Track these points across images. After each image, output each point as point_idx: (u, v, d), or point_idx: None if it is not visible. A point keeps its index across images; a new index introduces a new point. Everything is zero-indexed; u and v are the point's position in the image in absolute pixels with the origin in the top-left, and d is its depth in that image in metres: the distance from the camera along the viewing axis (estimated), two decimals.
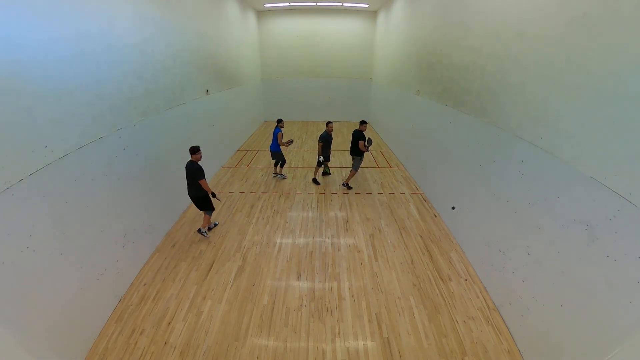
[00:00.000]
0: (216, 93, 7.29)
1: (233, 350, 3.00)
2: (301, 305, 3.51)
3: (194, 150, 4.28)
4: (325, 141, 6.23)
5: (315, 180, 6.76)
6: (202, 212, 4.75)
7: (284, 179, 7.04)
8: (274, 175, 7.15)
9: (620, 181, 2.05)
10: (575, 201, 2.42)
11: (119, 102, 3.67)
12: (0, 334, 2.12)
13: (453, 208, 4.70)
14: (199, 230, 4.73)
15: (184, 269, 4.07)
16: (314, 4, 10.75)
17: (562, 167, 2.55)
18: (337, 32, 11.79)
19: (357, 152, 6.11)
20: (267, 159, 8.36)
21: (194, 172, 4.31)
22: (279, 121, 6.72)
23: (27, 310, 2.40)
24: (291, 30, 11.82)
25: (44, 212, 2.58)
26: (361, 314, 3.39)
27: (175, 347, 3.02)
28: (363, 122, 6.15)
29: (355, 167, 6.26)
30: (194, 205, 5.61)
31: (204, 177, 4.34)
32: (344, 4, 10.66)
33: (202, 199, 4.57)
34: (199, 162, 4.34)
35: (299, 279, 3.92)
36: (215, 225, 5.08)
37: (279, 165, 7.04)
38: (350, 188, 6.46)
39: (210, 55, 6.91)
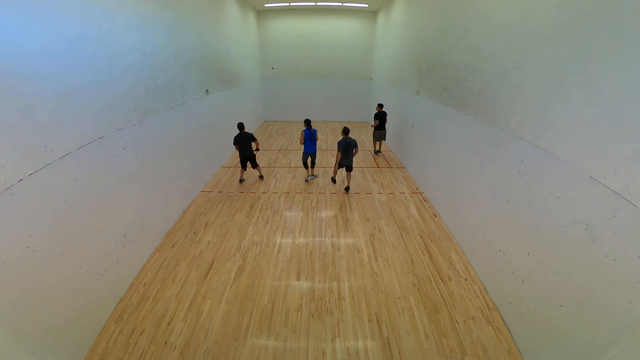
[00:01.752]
0: (216, 93, 7.28)
1: (233, 350, 3.00)
2: (301, 305, 3.51)
3: (243, 125, 6.23)
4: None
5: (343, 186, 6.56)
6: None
7: (315, 177, 7.05)
8: (311, 177, 6.97)
9: (620, 181, 2.06)
10: (575, 201, 2.42)
11: (119, 102, 3.67)
12: (0, 334, 2.12)
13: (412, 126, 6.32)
14: (261, 176, 6.95)
15: (184, 269, 4.07)
16: (314, 4, 10.74)
17: (562, 167, 2.55)
18: (337, 32, 11.78)
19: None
20: (267, 159, 8.36)
21: (251, 137, 6.20)
22: (310, 122, 6.57)
23: (27, 310, 2.40)
24: (291, 30, 11.81)
25: (44, 212, 2.58)
26: (361, 314, 3.39)
27: (175, 347, 3.02)
28: (380, 105, 8.21)
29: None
30: (194, 205, 5.69)
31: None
32: (344, 4, 10.65)
33: (254, 157, 6.48)
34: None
35: (299, 279, 3.92)
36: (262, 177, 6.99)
37: (312, 165, 6.85)
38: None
39: (210, 55, 6.91)
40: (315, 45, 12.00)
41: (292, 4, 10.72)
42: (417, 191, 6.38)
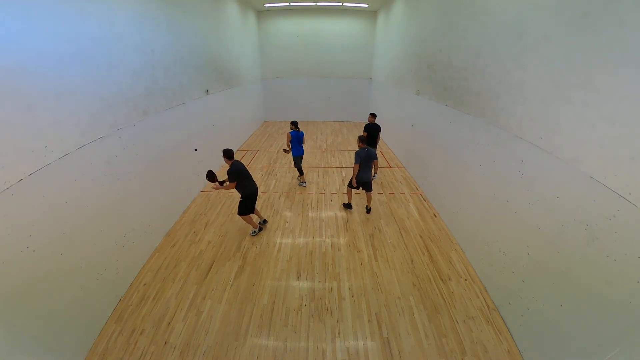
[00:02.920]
0: (216, 93, 7.29)
1: (233, 350, 3.00)
2: (301, 305, 3.51)
3: (233, 152, 4.40)
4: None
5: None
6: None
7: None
8: (302, 183, 6.63)
9: (620, 181, 2.06)
10: (575, 201, 2.42)
11: (119, 102, 3.67)
12: (0, 334, 2.12)
13: (196, 150, 5.51)
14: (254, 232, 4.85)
15: (184, 269, 4.07)
16: (314, 4, 10.75)
17: (562, 167, 2.55)
18: (337, 32, 11.78)
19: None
20: (267, 159, 8.36)
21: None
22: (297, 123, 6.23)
23: (27, 310, 2.40)
24: (291, 30, 11.81)
25: (44, 212, 2.58)
26: (361, 314, 3.39)
27: (175, 347, 3.02)
28: (373, 115, 6.70)
29: None
30: (194, 205, 5.67)
31: None
32: (344, 4, 10.65)
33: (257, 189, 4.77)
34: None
35: (298, 279, 3.92)
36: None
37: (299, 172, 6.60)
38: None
39: (210, 55, 6.91)
40: (315, 45, 12.00)
41: (292, 4, 10.72)
42: (417, 191, 6.38)
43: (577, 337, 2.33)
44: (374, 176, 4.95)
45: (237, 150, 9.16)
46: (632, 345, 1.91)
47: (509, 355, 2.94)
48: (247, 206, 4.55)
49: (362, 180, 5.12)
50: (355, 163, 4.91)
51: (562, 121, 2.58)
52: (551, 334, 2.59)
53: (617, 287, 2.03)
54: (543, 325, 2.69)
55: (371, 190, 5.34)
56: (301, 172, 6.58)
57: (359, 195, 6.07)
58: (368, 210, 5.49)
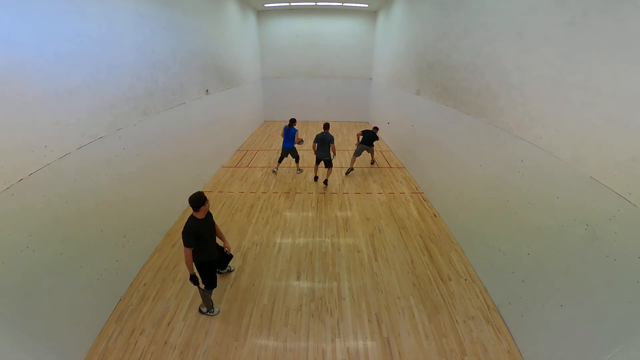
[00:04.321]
0: (216, 93, 7.28)
1: (233, 350, 3.00)
2: (301, 305, 3.51)
3: (201, 197, 2.83)
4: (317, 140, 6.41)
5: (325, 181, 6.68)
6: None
7: (302, 172, 7.44)
8: (275, 170, 7.48)
9: (620, 181, 2.06)
10: (575, 201, 2.42)
11: (119, 102, 3.67)
12: (0, 334, 2.12)
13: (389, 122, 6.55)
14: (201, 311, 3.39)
15: (184, 268, 4.05)
16: (314, 4, 10.74)
17: (562, 167, 2.55)
18: (337, 32, 11.77)
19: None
20: (267, 159, 8.36)
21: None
22: (294, 121, 7.00)
23: (27, 310, 2.40)
24: (291, 30, 11.81)
25: (44, 212, 2.58)
26: (361, 314, 3.39)
27: (175, 347, 3.02)
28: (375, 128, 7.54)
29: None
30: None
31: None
32: (344, 4, 10.64)
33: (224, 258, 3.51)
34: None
35: (298, 279, 3.92)
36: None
37: (295, 161, 7.38)
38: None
39: (210, 55, 6.91)
40: (315, 45, 11.99)
41: (292, 4, 10.71)
42: (417, 191, 6.38)
43: (577, 337, 2.33)
44: (334, 157, 6.39)
45: (237, 150, 9.17)
46: (632, 345, 1.91)
47: (509, 355, 2.94)
48: (209, 277, 3.17)
49: (320, 157, 6.41)
50: (314, 142, 6.38)
51: (562, 121, 2.58)
52: (551, 334, 2.59)
53: (617, 287, 2.03)
54: (543, 325, 2.69)
55: (331, 167, 6.51)
56: (279, 161, 7.37)
57: (358, 195, 6.08)
58: (325, 182, 6.58)
